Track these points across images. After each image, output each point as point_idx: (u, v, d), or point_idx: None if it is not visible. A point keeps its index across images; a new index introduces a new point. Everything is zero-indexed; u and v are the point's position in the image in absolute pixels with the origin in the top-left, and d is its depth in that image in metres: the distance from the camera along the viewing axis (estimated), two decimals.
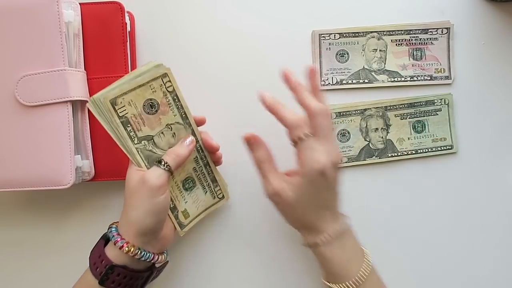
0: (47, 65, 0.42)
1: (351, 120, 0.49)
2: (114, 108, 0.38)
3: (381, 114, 0.49)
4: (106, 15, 0.45)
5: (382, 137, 0.49)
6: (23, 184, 0.43)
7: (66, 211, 0.49)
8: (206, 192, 0.46)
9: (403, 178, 0.49)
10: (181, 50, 0.50)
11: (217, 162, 0.46)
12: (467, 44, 0.49)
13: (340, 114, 0.49)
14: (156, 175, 0.38)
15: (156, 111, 0.40)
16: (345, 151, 0.49)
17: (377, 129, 0.49)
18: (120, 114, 0.38)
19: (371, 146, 0.49)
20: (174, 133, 0.42)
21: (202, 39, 0.50)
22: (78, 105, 0.44)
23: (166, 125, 0.41)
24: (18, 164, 0.42)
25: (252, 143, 0.42)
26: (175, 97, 0.41)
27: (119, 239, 0.38)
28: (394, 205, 0.49)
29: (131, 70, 0.47)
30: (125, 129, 0.39)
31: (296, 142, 0.39)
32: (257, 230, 0.49)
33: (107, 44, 0.45)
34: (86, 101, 0.44)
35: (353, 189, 0.49)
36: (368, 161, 0.49)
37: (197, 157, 0.44)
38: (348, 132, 0.49)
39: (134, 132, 0.39)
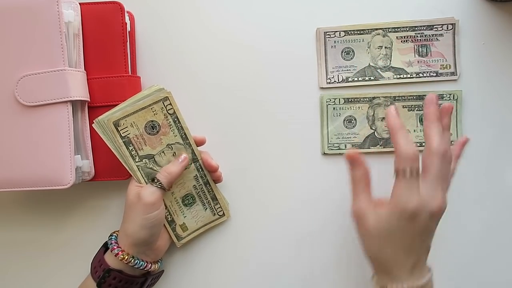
0: (47, 65, 0.42)
1: (359, 107, 0.48)
2: (117, 129, 0.41)
3: (389, 103, 0.48)
4: (106, 15, 0.45)
5: None
6: (23, 184, 0.43)
7: (66, 211, 0.49)
8: (206, 209, 0.47)
9: None
10: (181, 50, 0.49)
11: (217, 180, 0.47)
12: (468, 44, 0.48)
13: (348, 101, 0.48)
14: (150, 192, 0.41)
15: (157, 132, 0.43)
16: (350, 137, 0.49)
17: (384, 118, 0.48)
18: (123, 135, 0.42)
19: (376, 135, 0.48)
20: (175, 153, 0.44)
21: (202, 39, 0.49)
22: (78, 105, 0.44)
23: (167, 145, 0.43)
24: (18, 164, 0.43)
25: (353, 161, 0.39)
26: (175, 119, 0.43)
27: (115, 247, 0.41)
28: None
29: (131, 70, 0.46)
30: (127, 148, 0.42)
31: (398, 173, 0.36)
32: (255, 244, 0.49)
33: (107, 44, 0.45)
34: (86, 101, 0.44)
35: None
36: (373, 149, 0.48)
37: (197, 175, 0.46)
38: (355, 119, 0.48)
39: (136, 151, 0.42)
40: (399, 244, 0.36)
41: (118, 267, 0.41)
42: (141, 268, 0.42)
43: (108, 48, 0.45)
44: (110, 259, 0.42)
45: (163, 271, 0.47)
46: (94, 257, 0.44)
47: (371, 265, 0.39)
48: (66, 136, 0.42)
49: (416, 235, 0.36)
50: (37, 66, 0.42)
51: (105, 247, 0.44)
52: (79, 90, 0.43)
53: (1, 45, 0.42)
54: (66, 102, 0.42)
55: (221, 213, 0.48)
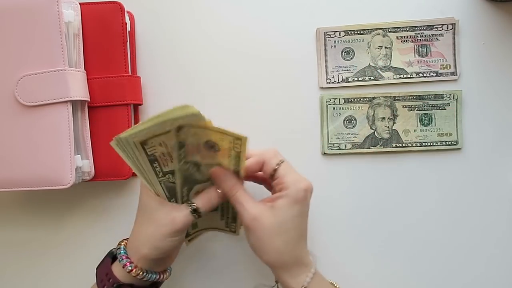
0: (47, 65, 0.42)
1: (359, 107, 0.48)
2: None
3: (389, 103, 0.48)
4: (106, 15, 0.45)
5: (388, 127, 0.48)
6: (23, 184, 0.43)
7: (66, 211, 0.49)
8: (223, 220, 0.46)
9: (405, 169, 0.49)
10: (181, 50, 0.49)
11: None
12: (468, 44, 0.48)
13: (348, 101, 0.48)
14: (186, 220, 0.38)
15: (216, 150, 0.38)
16: (350, 137, 0.49)
17: (384, 118, 0.48)
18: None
19: (376, 135, 0.48)
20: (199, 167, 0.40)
21: (202, 39, 0.49)
22: (78, 105, 0.44)
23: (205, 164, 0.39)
24: (18, 164, 0.43)
25: (215, 177, 0.39)
26: (237, 156, 0.38)
27: (128, 263, 0.39)
28: (394, 195, 0.49)
29: (131, 70, 0.46)
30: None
31: (275, 170, 0.38)
32: None
33: (107, 44, 0.45)
34: (86, 101, 0.44)
35: (355, 176, 0.49)
36: (372, 149, 0.48)
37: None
38: (355, 119, 0.48)
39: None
40: (301, 230, 0.38)
41: (128, 281, 0.39)
42: (154, 280, 0.40)
43: (108, 48, 0.45)
44: (119, 273, 0.39)
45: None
46: (99, 267, 0.41)
47: (276, 273, 0.39)
48: (66, 136, 0.42)
49: (306, 215, 0.38)
50: (37, 66, 0.42)
51: (111, 256, 0.41)
52: (79, 90, 0.43)
53: (1, 45, 0.42)
54: (66, 102, 0.42)
55: (233, 230, 0.46)
